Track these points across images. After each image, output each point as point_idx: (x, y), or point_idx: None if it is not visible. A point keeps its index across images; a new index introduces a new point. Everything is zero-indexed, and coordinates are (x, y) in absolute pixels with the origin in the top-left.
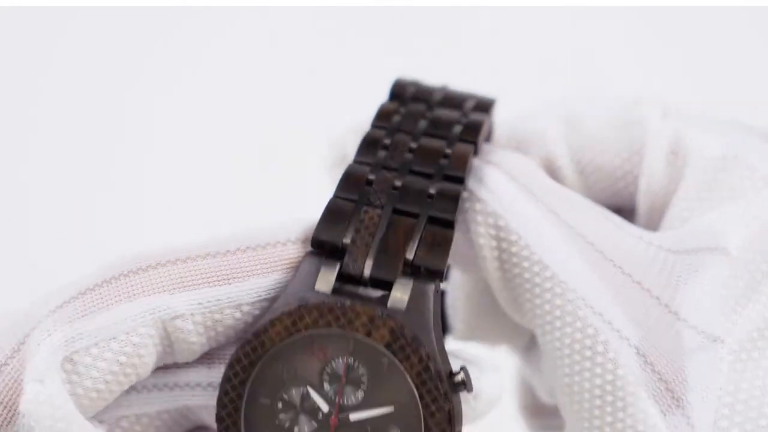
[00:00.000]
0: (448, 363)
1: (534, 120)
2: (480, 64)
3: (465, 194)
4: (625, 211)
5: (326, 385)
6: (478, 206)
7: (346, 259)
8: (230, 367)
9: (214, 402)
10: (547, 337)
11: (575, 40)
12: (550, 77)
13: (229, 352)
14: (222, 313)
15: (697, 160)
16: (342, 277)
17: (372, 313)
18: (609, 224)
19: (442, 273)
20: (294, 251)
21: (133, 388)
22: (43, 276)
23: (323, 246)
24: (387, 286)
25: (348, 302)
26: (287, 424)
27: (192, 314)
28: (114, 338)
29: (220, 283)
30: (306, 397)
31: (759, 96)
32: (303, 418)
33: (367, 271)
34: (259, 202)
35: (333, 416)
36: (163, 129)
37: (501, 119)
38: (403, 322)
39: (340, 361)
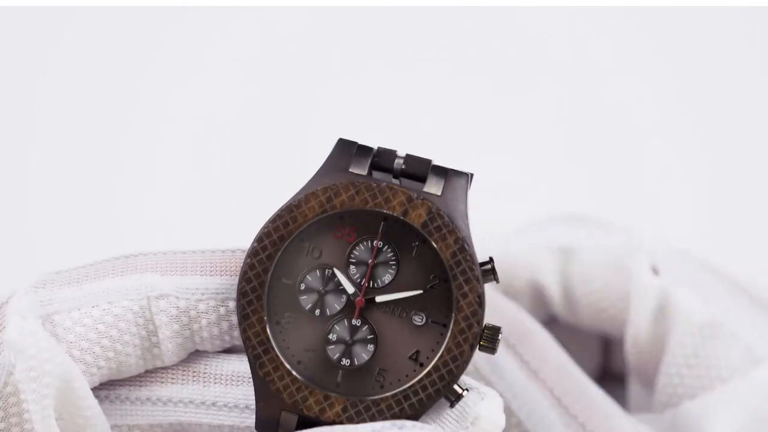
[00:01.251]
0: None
1: (529, 250)
2: (479, 64)
3: None
4: (613, 339)
5: (353, 268)
6: None
7: (377, 153)
8: (259, 240)
9: (208, 420)
10: None
11: (574, 40)
12: (550, 77)
13: (224, 372)
14: (207, 303)
15: (684, 325)
16: (374, 166)
17: (409, 193)
18: None
19: (470, 175)
20: None
21: (126, 399)
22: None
23: (354, 143)
24: (420, 179)
25: (384, 183)
26: (308, 306)
27: (177, 297)
28: (96, 305)
29: (210, 274)
30: (331, 278)
31: (759, 96)
32: (327, 300)
33: (398, 167)
34: (259, 201)
35: (359, 297)
36: (163, 129)
37: (496, 240)
38: (439, 205)
39: (369, 244)
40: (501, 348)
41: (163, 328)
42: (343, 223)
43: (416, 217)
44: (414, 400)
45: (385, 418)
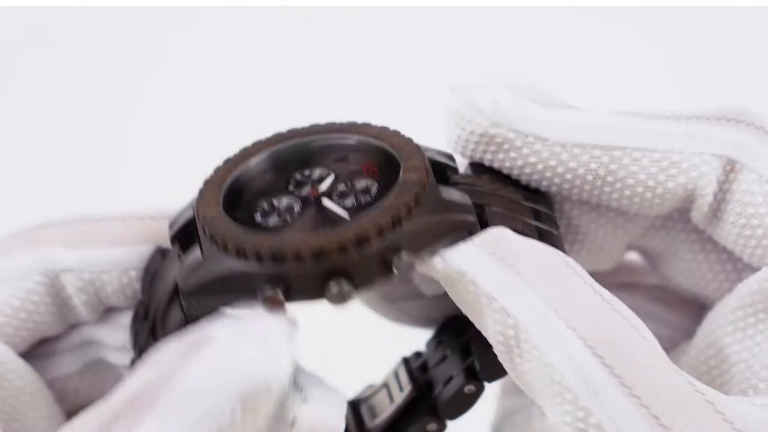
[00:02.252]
0: None
1: (695, 153)
2: (479, 63)
3: (556, 377)
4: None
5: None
6: (569, 395)
7: None
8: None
9: (126, 362)
10: None
11: (574, 40)
12: (550, 77)
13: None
14: (110, 274)
15: (765, 193)
16: None
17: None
18: (698, 398)
19: None
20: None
21: (53, 352)
22: None
23: None
24: None
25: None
26: (270, 222)
27: (80, 270)
28: (7, 282)
29: (112, 246)
30: (280, 200)
31: (758, 96)
32: (284, 212)
33: None
34: None
35: (311, 192)
36: (162, 129)
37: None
38: None
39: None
40: (596, 364)
41: (74, 297)
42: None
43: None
44: None
45: None
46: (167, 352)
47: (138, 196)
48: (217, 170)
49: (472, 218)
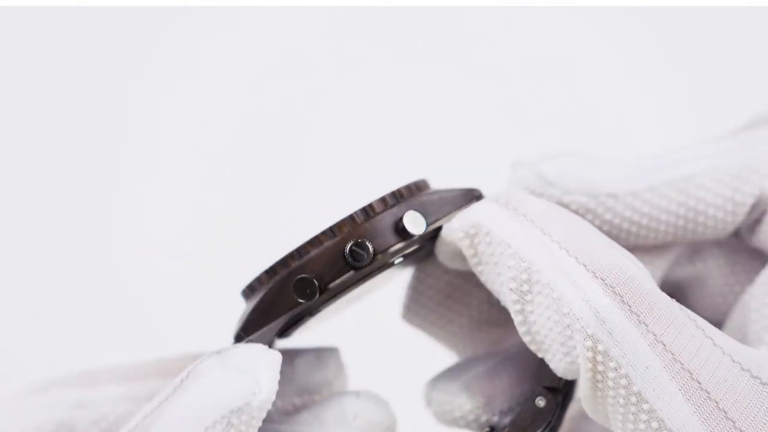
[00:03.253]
0: None
1: (757, 157)
2: (478, 64)
3: (565, 309)
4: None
5: None
6: (577, 325)
7: None
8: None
9: None
10: None
11: (574, 40)
12: (549, 77)
13: None
14: (124, 406)
15: None
16: None
17: None
18: (716, 352)
19: None
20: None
21: None
22: (41, 276)
23: None
24: None
25: None
26: None
27: (96, 404)
28: (23, 417)
29: (125, 382)
30: None
31: (759, 96)
32: None
33: None
34: (259, 199)
35: None
36: (162, 129)
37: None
38: None
39: None
40: (605, 294)
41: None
42: None
43: None
44: None
45: None
46: (164, 390)
47: (138, 196)
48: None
49: (477, 192)
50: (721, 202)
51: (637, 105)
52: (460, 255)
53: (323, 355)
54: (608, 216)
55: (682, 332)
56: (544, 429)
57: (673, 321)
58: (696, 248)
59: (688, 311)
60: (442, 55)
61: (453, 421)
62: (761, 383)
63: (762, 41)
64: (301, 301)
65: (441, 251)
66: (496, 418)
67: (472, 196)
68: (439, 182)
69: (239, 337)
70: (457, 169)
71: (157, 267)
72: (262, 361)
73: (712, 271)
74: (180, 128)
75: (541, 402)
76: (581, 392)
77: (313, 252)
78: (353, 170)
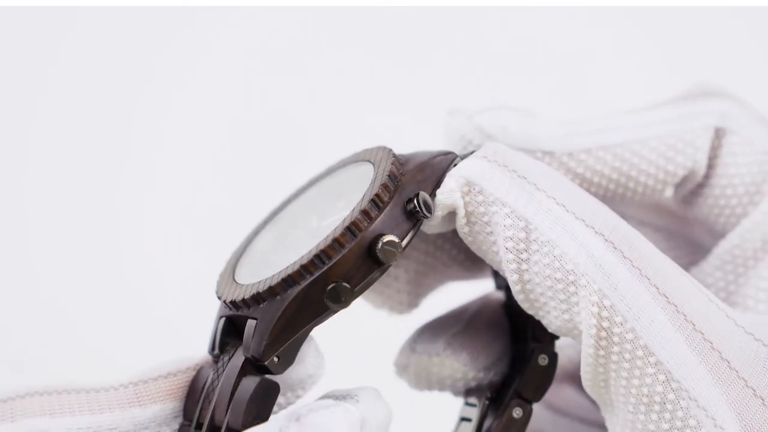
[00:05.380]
0: None
1: (686, 131)
2: (478, 63)
3: (569, 266)
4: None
5: None
6: (583, 281)
7: None
8: None
9: None
10: (640, 417)
11: (574, 40)
12: (549, 77)
13: None
14: None
15: (746, 153)
16: None
17: None
18: (712, 307)
19: None
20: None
21: None
22: (41, 277)
23: None
24: None
25: None
26: None
27: None
28: None
29: (100, 412)
30: None
31: (758, 96)
32: None
33: None
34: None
35: None
36: (162, 129)
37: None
38: None
39: None
40: (607, 249)
41: None
42: None
43: None
44: None
45: None
46: None
47: (137, 195)
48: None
49: (454, 155)
50: (653, 171)
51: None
52: (447, 218)
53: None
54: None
55: (680, 287)
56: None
57: (670, 276)
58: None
59: (681, 269)
60: (442, 56)
61: (437, 383)
62: (754, 339)
63: (762, 41)
64: (335, 307)
65: (440, 209)
66: (481, 374)
67: (453, 157)
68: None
69: (265, 351)
70: None
71: (157, 265)
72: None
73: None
74: (179, 127)
75: (543, 360)
76: (583, 356)
77: (337, 256)
78: None
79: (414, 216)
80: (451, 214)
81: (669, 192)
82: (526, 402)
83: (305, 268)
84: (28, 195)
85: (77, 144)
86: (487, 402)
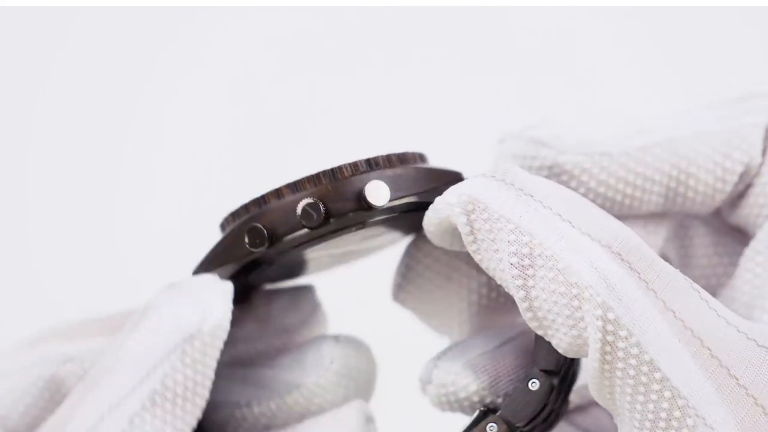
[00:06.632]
0: None
1: (741, 128)
2: (479, 64)
3: (573, 279)
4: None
5: None
6: (586, 293)
7: None
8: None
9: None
10: None
11: (574, 40)
12: (548, 77)
13: None
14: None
15: None
16: None
17: None
18: (721, 322)
19: None
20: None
21: None
22: (42, 277)
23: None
24: None
25: None
26: None
27: (82, 360)
28: (8, 377)
29: (111, 333)
30: None
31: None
32: None
33: None
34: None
35: None
36: (162, 129)
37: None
38: None
39: None
40: (613, 261)
41: (70, 388)
42: None
43: None
44: None
45: None
46: (125, 327)
47: (136, 195)
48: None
49: (460, 175)
50: (711, 167)
51: (637, 105)
52: (450, 233)
53: (298, 294)
54: (603, 176)
55: (689, 301)
56: (539, 413)
57: (679, 289)
58: (685, 223)
59: (691, 281)
60: (443, 55)
61: (455, 403)
62: (755, 344)
63: (762, 41)
64: (251, 249)
65: (430, 227)
66: (499, 401)
67: (454, 176)
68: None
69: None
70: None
71: (157, 265)
72: (212, 290)
73: (698, 250)
74: (178, 127)
75: (534, 385)
76: (588, 368)
77: (273, 203)
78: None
79: (364, 202)
80: (456, 231)
81: (724, 194)
82: (505, 423)
83: (246, 207)
84: (27, 193)
85: (76, 144)
86: (480, 411)
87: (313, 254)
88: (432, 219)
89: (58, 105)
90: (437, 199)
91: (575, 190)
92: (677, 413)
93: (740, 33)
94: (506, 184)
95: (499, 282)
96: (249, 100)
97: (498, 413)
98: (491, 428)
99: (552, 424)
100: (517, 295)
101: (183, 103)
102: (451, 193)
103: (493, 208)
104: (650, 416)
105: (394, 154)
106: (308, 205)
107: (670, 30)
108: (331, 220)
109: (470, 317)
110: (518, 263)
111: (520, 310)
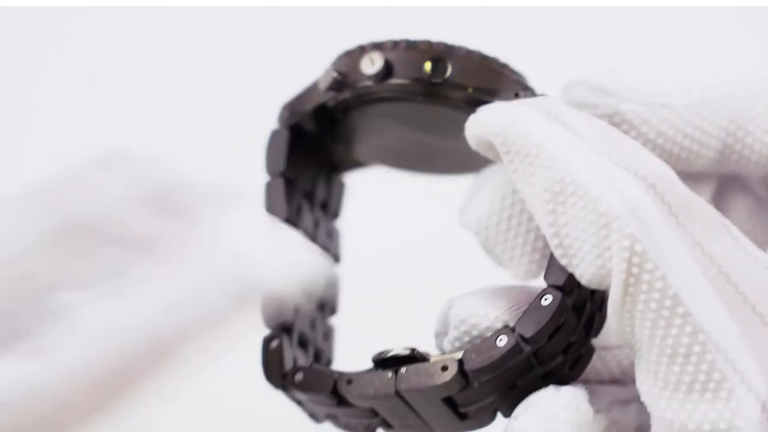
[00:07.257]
0: None
1: None
2: None
3: (602, 208)
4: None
5: None
6: (616, 224)
7: None
8: None
9: None
10: (662, 367)
11: (575, 40)
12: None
13: None
14: None
15: None
16: None
17: None
18: (739, 251)
19: None
20: None
21: None
22: None
23: None
24: None
25: None
26: None
27: None
28: None
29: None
30: None
31: None
32: None
33: None
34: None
35: None
36: (162, 128)
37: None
38: None
39: None
40: (650, 199)
41: None
42: None
43: None
44: None
45: None
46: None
47: None
48: None
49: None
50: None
51: None
52: (489, 145)
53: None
54: (663, 127)
55: (719, 238)
56: (554, 332)
57: (711, 225)
58: (725, 187)
59: (723, 217)
60: None
61: (477, 339)
62: None
63: (762, 41)
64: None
65: (471, 134)
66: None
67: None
68: (438, 187)
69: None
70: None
71: None
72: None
73: (731, 213)
74: (178, 127)
75: (546, 300)
76: (610, 301)
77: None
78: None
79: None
80: (494, 147)
81: None
82: (517, 336)
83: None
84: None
85: (76, 144)
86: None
87: (393, 129)
88: (471, 132)
89: (58, 105)
90: (472, 117)
91: (634, 140)
92: (697, 348)
93: (740, 33)
94: (543, 111)
95: (528, 207)
96: (249, 100)
97: (510, 327)
98: (501, 340)
99: (576, 362)
100: (546, 220)
101: (183, 102)
102: (490, 113)
103: (530, 134)
104: (668, 351)
105: (477, 52)
106: (373, 58)
107: (670, 30)
108: (393, 80)
109: (537, 252)
110: (550, 188)
111: (547, 237)
